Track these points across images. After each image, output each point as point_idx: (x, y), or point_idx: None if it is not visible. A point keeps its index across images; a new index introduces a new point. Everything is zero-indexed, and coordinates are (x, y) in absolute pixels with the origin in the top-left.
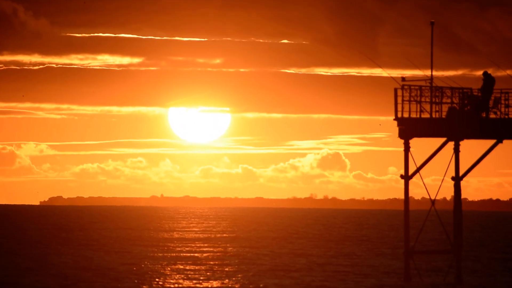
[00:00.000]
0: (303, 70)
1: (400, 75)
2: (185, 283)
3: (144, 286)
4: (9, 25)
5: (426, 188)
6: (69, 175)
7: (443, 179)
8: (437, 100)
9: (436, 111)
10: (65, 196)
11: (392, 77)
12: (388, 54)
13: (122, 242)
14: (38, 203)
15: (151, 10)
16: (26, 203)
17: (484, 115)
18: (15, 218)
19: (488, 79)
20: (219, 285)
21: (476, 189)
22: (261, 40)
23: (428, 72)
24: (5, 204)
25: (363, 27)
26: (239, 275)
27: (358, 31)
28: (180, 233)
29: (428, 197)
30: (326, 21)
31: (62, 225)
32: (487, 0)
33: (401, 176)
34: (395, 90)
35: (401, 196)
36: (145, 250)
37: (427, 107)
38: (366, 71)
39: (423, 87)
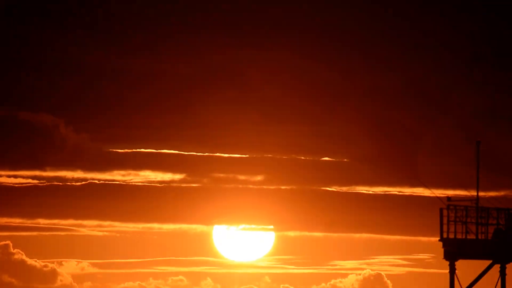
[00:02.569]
0: (344, 188)
1: (442, 195)
2: None
3: None
4: (50, 140)
5: None
6: None
7: None
8: (483, 221)
9: (482, 232)
10: None
11: (437, 197)
12: (428, 173)
13: None
14: None
15: (192, 126)
16: None
17: None
18: None
19: None
20: None
21: None
22: (302, 157)
23: (470, 193)
24: None
25: (403, 145)
26: None
27: (397, 149)
28: None
29: None
30: (365, 139)
31: None
32: None
33: None
34: (441, 210)
35: None
36: None
37: (472, 227)
38: (407, 190)
39: (468, 208)
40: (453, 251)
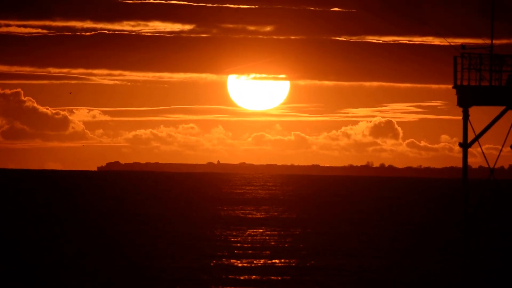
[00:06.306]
0: (354, 38)
1: (453, 43)
2: None
3: None
4: None
5: (485, 157)
6: (123, 140)
7: (501, 148)
8: (496, 68)
9: (495, 79)
10: (122, 162)
11: (451, 45)
12: (437, 21)
13: None
14: (95, 169)
15: None
16: (84, 169)
17: None
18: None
19: None
20: None
21: None
22: (311, 8)
23: (484, 40)
24: (66, 170)
25: None
26: None
27: None
28: None
29: (486, 166)
30: None
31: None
32: None
33: (460, 144)
34: (455, 58)
35: (456, 164)
36: None
37: (486, 75)
38: (417, 39)
39: (482, 55)
40: (467, 98)
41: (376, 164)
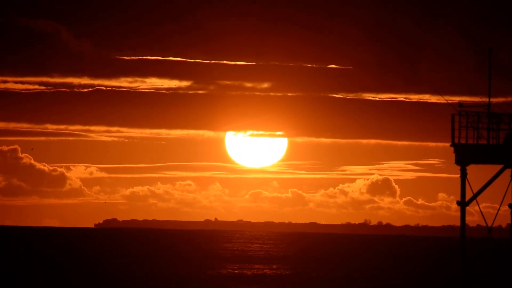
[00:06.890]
0: (351, 95)
1: (450, 101)
2: None
3: None
4: (54, 46)
5: (483, 215)
6: (120, 197)
7: (499, 207)
8: (494, 127)
9: (493, 138)
10: (119, 219)
11: (448, 103)
12: (434, 80)
13: None
14: (93, 226)
15: (197, 34)
16: (81, 226)
17: None
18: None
19: None
20: None
21: None
22: (308, 65)
23: (481, 99)
24: (64, 227)
25: (406, 51)
26: None
27: (401, 56)
28: None
29: (484, 225)
30: (369, 44)
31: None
32: None
33: (458, 203)
34: (452, 116)
35: (454, 222)
36: None
37: (484, 133)
38: (414, 96)
39: (480, 113)
40: (465, 156)
41: (374, 222)
